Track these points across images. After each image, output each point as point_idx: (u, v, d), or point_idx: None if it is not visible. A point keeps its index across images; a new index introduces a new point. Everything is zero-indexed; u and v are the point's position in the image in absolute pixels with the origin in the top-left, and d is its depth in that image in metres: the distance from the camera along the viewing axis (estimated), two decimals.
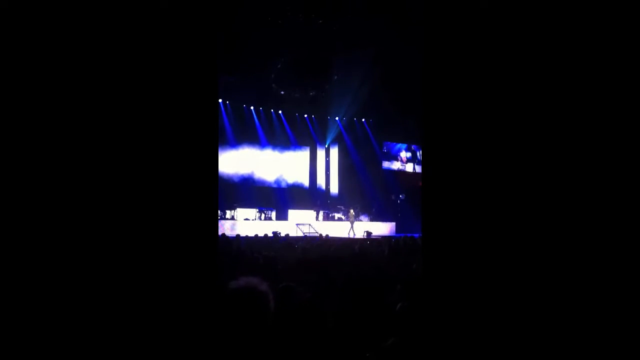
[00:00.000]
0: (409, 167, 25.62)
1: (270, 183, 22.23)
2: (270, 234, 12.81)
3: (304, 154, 23.63)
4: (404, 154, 25.46)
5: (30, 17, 1.54)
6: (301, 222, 19.16)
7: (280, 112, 22.27)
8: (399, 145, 25.30)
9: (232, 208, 19.36)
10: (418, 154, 25.41)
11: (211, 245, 1.83)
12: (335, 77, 19.73)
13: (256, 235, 12.30)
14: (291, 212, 20.67)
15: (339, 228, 19.61)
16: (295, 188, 23.05)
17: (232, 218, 18.84)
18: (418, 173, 25.50)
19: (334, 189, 24.34)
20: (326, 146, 24.15)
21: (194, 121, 1.76)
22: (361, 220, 20.83)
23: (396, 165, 25.25)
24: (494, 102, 1.78)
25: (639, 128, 1.52)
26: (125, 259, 1.64)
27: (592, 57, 1.61)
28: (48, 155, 1.56)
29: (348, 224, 19.61)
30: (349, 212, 19.84)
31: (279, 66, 18.93)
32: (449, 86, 1.89)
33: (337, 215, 21.53)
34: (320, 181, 24.10)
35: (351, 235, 18.31)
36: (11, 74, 1.52)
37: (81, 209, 1.58)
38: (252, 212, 19.63)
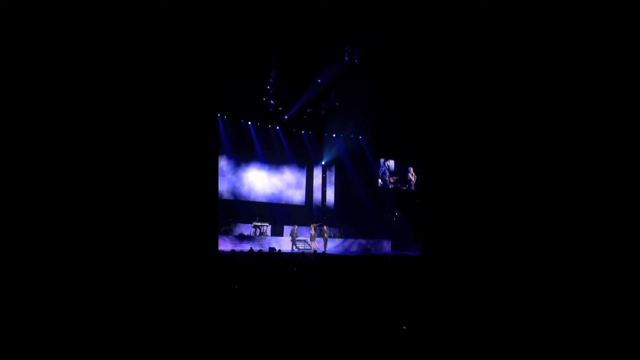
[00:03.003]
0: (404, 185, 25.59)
1: (266, 198, 22.16)
2: (265, 250, 12.70)
3: (300, 170, 23.62)
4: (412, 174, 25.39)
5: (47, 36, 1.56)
6: (297, 238, 19.07)
7: (277, 127, 22.31)
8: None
9: (227, 223, 19.24)
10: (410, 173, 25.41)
11: (210, 258, 1.82)
12: (334, 97, 19.89)
13: (251, 250, 12.21)
14: (287, 228, 20.56)
15: (332, 243, 19.57)
16: (292, 204, 22.98)
17: (227, 233, 18.71)
18: (413, 191, 25.51)
19: (330, 205, 24.28)
20: (323, 163, 24.15)
21: (195, 136, 1.77)
22: (332, 236, 20.66)
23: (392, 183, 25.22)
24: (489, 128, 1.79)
25: (634, 137, 1.53)
26: (126, 266, 1.64)
27: (591, 60, 1.62)
28: (50, 162, 1.58)
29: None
30: (311, 227, 19.66)
31: (277, 82, 19.05)
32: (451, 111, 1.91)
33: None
34: (317, 197, 24.05)
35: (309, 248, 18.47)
36: (11, 78, 1.53)
37: (88, 216, 1.58)
38: (247, 227, 19.52)
